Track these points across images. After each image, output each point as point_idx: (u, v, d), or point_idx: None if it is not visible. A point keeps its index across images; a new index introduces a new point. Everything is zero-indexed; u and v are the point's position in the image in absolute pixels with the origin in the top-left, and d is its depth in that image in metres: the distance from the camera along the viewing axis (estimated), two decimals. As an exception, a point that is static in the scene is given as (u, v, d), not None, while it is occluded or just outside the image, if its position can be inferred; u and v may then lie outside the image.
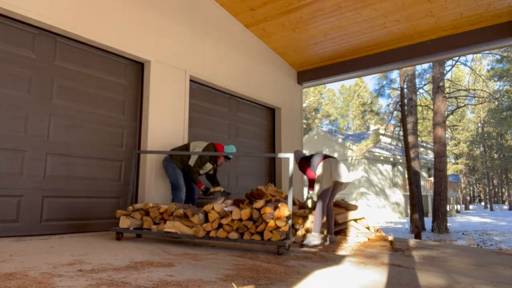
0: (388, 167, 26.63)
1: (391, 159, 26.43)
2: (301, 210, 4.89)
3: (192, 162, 4.80)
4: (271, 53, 7.67)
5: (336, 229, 4.80)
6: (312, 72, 8.26)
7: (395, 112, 19.68)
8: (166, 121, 5.29)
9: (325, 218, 4.43)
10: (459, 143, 43.13)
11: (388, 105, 20.56)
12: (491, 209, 41.22)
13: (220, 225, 3.58)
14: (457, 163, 44.59)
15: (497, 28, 6.10)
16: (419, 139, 22.96)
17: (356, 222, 5.02)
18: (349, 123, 52.26)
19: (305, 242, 4.11)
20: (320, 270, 2.77)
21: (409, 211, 20.55)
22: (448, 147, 35.65)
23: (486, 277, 2.75)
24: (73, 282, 2.08)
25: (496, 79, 28.47)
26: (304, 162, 4.52)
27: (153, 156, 5.04)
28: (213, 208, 3.61)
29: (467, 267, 3.22)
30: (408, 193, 19.45)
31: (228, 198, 4.77)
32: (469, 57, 35.43)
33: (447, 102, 20.10)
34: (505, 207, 47.00)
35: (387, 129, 24.78)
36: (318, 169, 4.33)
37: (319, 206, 4.22)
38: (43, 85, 4.19)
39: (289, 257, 3.29)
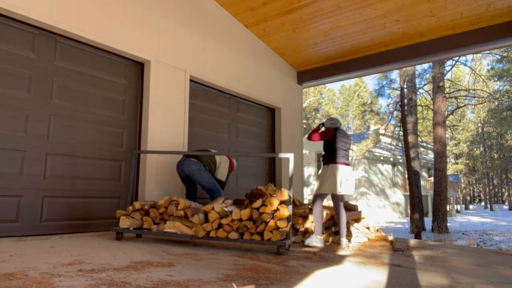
0: (388, 167, 26.63)
1: (391, 159, 26.43)
2: (301, 210, 4.89)
3: (223, 177, 4.92)
4: (271, 53, 7.67)
5: (336, 229, 4.80)
6: (312, 72, 8.26)
7: (395, 112, 19.69)
8: (166, 121, 5.29)
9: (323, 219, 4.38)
10: (459, 143, 43.13)
11: (388, 105, 20.56)
12: (491, 209, 41.22)
13: (220, 225, 3.58)
14: (457, 163, 44.59)
15: (497, 28, 6.10)
16: (419, 139, 22.96)
17: (356, 222, 5.02)
18: (349, 123, 52.26)
19: (306, 241, 4.11)
20: (320, 270, 2.77)
21: (409, 211, 20.55)
22: (448, 147, 35.68)
23: (487, 277, 2.75)
24: (73, 282, 2.08)
25: (496, 79, 28.47)
26: (326, 132, 4.37)
27: (153, 156, 5.03)
28: (213, 208, 3.61)
29: (467, 267, 3.22)
30: (408, 193, 19.44)
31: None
32: (469, 57, 35.44)
33: (447, 102, 20.11)
34: (505, 207, 47.01)
35: (387, 129, 24.80)
36: (331, 170, 4.21)
37: (316, 209, 4.21)
38: (43, 85, 4.19)
39: (289, 257, 3.29)
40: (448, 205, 24.51)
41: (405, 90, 16.52)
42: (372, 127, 32.32)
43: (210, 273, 2.45)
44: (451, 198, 28.32)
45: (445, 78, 18.31)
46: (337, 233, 4.85)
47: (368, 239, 4.60)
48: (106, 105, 4.79)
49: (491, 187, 48.97)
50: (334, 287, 2.27)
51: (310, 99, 43.92)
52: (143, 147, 5.03)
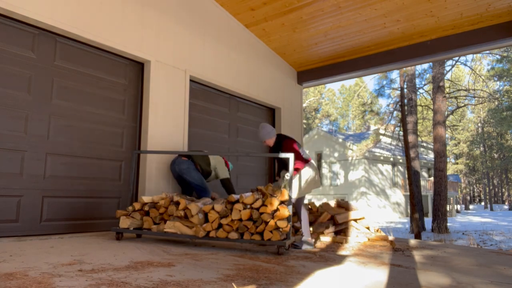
0: (388, 167, 26.63)
1: (391, 159, 26.43)
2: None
3: (226, 173, 5.03)
4: (271, 53, 7.67)
5: (336, 229, 4.81)
6: (312, 72, 8.26)
7: (395, 112, 19.69)
8: (166, 121, 5.29)
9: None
10: (459, 143, 43.13)
11: (388, 105, 20.57)
12: (491, 209, 41.23)
13: (220, 225, 3.58)
14: (457, 163, 44.59)
15: (497, 28, 6.10)
16: (419, 139, 22.97)
17: (356, 222, 5.02)
18: (349, 123, 52.26)
19: (302, 247, 4.00)
20: (320, 270, 2.77)
21: (409, 211, 20.57)
22: (448, 147, 35.66)
23: (487, 277, 2.75)
24: (73, 282, 2.08)
25: (496, 79, 28.48)
26: (292, 142, 4.15)
27: (153, 156, 5.03)
28: (213, 208, 3.61)
29: (468, 267, 3.22)
30: (408, 193, 19.45)
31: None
32: (469, 57, 35.41)
33: (447, 102, 20.10)
34: (505, 207, 47.01)
35: (387, 129, 24.80)
36: (305, 172, 4.09)
37: (301, 210, 4.15)
38: (43, 85, 4.19)
39: (289, 257, 3.29)
40: (448, 205, 24.51)
41: (405, 90, 16.52)
42: (372, 127, 32.35)
43: (210, 273, 2.45)
44: (451, 198, 28.33)
45: (445, 78, 18.31)
46: (336, 233, 4.85)
47: (368, 239, 4.60)
48: (106, 105, 4.79)
49: (491, 187, 48.97)
50: (334, 287, 2.27)
51: (310, 99, 43.92)
52: (143, 147, 5.03)
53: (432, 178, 24.14)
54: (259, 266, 2.80)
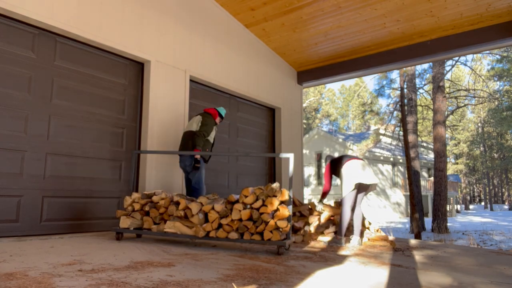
0: (389, 167, 26.63)
1: (391, 159, 26.42)
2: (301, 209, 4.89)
3: (209, 135, 4.77)
4: (271, 53, 7.67)
5: (336, 229, 4.80)
6: (312, 72, 8.26)
7: (395, 112, 19.69)
8: (166, 121, 5.29)
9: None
10: (459, 143, 43.13)
11: (388, 105, 20.58)
12: (491, 209, 41.23)
13: (220, 225, 3.58)
14: (457, 163, 44.58)
15: (497, 28, 6.10)
16: (419, 139, 22.97)
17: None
18: (349, 123, 52.25)
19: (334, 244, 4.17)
20: (321, 270, 2.77)
21: (409, 211, 20.56)
22: (448, 147, 35.68)
23: (487, 277, 2.75)
24: (73, 282, 2.08)
25: (496, 79, 28.48)
26: (328, 167, 4.47)
27: (153, 156, 5.03)
28: (213, 208, 3.61)
29: (468, 267, 3.22)
30: (408, 193, 19.46)
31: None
32: (469, 57, 35.41)
33: (447, 102, 20.10)
34: (505, 207, 47.02)
35: (387, 129, 24.80)
36: (343, 171, 4.28)
37: (343, 209, 4.22)
38: (43, 85, 4.19)
39: (289, 257, 3.29)
40: (448, 205, 24.51)
41: (405, 90, 16.52)
42: (372, 127, 32.34)
43: (210, 273, 2.45)
44: (451, 198, 28.32)
45: (445, 78, 18.31)
46: (336, 233, 4.84)
47: (368, 239, 4.59)
48: (106, 105, 4.79)
49: (491, 187, 48.98)
50: (334, 287, 2.27)
51: (310, 99, 43.92)
52: (143, 147, 5.03)
53: (432, 178, 24.14)
54: (259, 266, 2.80)
